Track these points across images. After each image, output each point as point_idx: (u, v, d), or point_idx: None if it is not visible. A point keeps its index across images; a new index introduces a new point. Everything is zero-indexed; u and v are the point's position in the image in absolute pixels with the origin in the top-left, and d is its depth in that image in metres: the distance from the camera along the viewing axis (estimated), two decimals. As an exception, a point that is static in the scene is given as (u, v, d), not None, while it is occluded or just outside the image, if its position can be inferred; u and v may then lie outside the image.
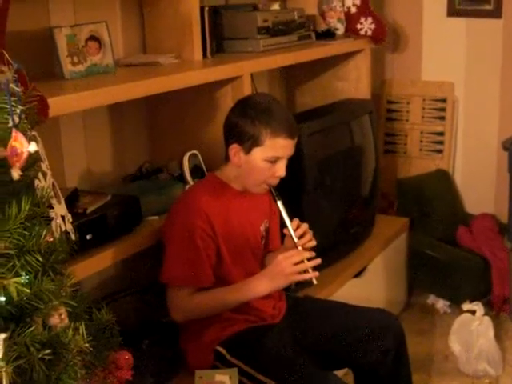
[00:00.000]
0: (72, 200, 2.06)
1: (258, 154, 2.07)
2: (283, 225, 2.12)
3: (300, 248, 2.07)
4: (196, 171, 2.48)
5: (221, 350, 2.13)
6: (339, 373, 2.35)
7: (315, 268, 2.05)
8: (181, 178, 2.47)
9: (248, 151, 2.08)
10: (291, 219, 2.10)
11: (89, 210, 2.05)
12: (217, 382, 1.96)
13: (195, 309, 2.13)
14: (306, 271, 2.05)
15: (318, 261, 2.04)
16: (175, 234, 2.10)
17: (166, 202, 2.28)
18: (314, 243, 2.10)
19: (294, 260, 2.03)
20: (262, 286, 2.09)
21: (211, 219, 2.09)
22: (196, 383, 1.96)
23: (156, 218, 2.29)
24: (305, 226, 2.11)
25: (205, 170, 2.49)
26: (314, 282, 2.07)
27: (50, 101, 1.70)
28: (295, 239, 2.07)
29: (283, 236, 2.16)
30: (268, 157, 2.07)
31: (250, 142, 2.06)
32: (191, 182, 2.42)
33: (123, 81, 2.11)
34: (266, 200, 2.28)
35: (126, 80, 2.12)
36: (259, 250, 2.28)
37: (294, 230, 2.08)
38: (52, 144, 2.28)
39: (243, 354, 2.10)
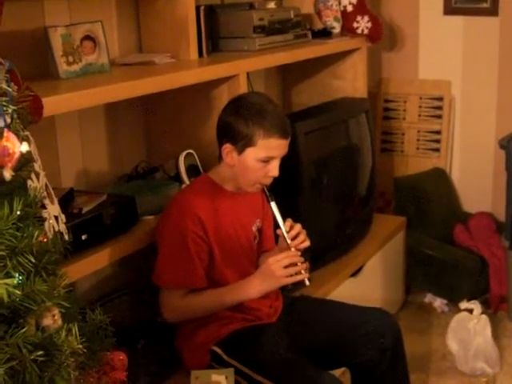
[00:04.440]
0: (67, 200, 2.06)
1: (251, 154, 2.06)
2: (277, 226, 2.12)
3: (293, 249, 2.06)
4: (192, 170, 2.47)
5: (217, 349, 2.12)
6: (336, 372, 2.35)
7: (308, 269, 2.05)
8: (177, 178, 2.46)
9: (241, 151, 2.07)
10: (285, 219, 2.09)
11: (84, 210, 2.04)
12: (213, 383, 1.95)
13: (187, 310, 2.13)
14: (297, 273, 2.04)
15: (305, 265, 2.04)
16: (167, 237, 2.10)
17: (161, 201, 2.27)
18: (307, 244, 2.10)
19: (284, 262, 2.03)
20: (253, 288, 2.10)
21: (203, 221, 2.08)
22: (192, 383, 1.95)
23: (152, 217, 2.28)
24: (298, 226, 2.10)
25: (201, 169, 2.49)
26: (307, 283, 2.07)
27: (45, 100, 1.69)
28: (288, 241, 2.07)
29: (277, 236, 2.15)
30: (261, 157, 2.06)
31: (243, 143, 2.05)
32: (187, 182, 2.42)
33: (118, 80, 2.11)
34: (258, 199, 2.27)
35: (121, 79, 2.12)
36: (252, 251, 2.27)
37: (287, 232, 2.08)
38: (48, 144, 2.28)
39: (239, 353, 2.10)
